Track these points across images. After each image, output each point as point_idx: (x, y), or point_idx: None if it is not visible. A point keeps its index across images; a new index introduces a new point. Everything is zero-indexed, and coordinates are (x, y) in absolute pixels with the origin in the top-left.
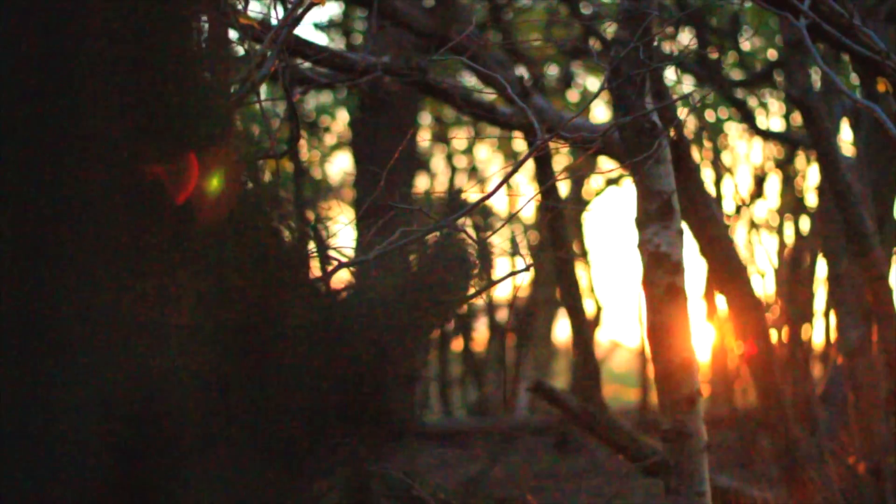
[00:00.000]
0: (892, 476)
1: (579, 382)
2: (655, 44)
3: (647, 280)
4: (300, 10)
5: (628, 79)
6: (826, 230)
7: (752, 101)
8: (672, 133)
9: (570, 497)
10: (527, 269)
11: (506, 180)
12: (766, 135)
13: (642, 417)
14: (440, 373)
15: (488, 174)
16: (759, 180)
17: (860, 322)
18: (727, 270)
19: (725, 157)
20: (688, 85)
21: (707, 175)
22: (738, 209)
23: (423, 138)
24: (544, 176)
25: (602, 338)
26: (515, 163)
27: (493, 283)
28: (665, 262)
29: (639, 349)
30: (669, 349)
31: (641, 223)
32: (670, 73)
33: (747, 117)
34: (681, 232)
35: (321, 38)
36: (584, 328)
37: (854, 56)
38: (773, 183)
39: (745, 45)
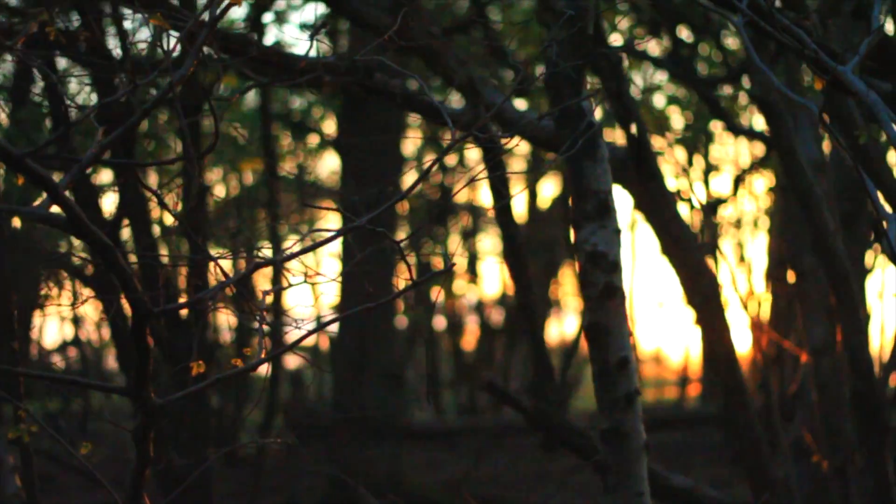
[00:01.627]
0: (856, 474)
1: (534, 381)
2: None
3: (584, 279)
4: (218, 11)
5: (562, 75)
6: (790, 228)
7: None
8: (633, 132)
9: (556, 495)
10: (449, 269)
11: (421, 179)
12: (737, 132)
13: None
14: (430, 372)
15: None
16: (738, 179)
17: (824, 320)
18: (690, 270)
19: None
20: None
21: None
22: (715, 208)
23: (413, 137)
24: (496, 172)
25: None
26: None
27: (416, 283)
28: (602, 261)
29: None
30: (607, 348)
31: (578, 223)
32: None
33: (722, 116)
34: (618, 231)
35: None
36: (537, 327)
37: (791, 51)
38: (755, 182)
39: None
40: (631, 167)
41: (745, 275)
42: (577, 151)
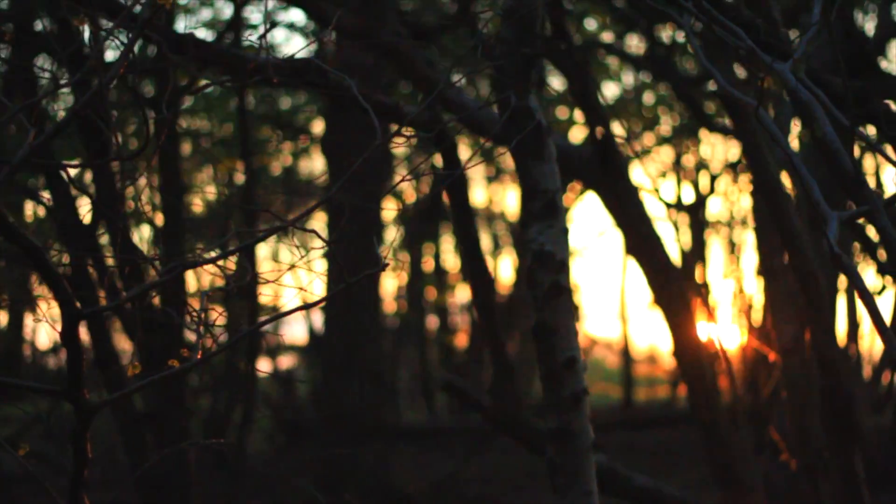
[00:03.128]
0: (826, 473)
1: (493, 380)
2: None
3: (532, 278)
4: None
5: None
6: (760, 228)
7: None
8: (599, 132)
9: (546, 495)
10: (383, 268)
11: (347, 177)
12: (713, 129)
13: (623, 415)
14: (422, 371)
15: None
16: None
17: (793, 319)
18: (656, 268)
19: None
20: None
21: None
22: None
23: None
24: (450, 168)
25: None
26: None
27: (349, 284)
28: (549, 260)
29: (619, 345)
30: (554, 348)
31: (526, 222)
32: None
33: (699, 114)
34: (565, 230)
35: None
36: (495, 325)
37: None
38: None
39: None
40: (597, 166)
41: (735, 273)
42: (525, 150)
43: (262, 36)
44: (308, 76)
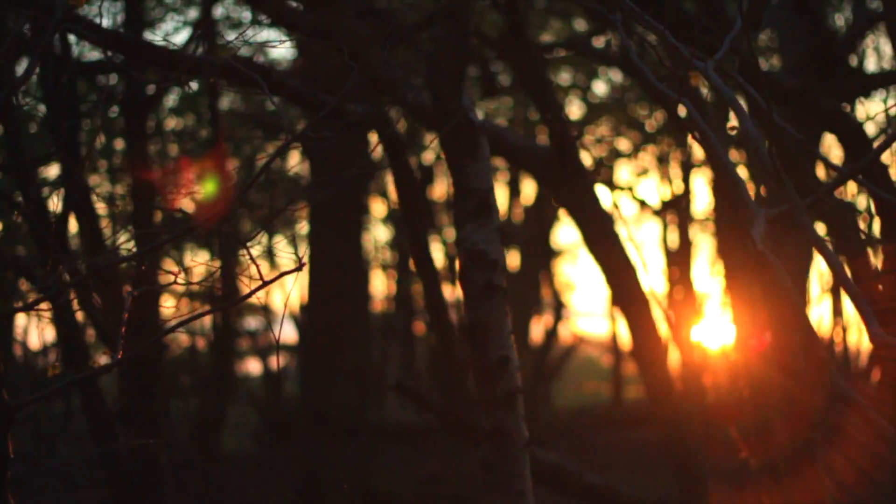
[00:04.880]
0: (788, 472)
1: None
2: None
3: (465, 278)
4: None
5: (442, 71)
6: (719, 225)
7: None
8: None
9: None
10: (299, 268)
11: (258, 176)
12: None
13: (613, 413)
14: (406, 370)
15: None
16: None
17: (755, 317)
18: (614, 266)
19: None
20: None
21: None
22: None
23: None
24: (401, 172)
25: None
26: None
27: (265, 283)
28: (482, 259)
29: (608, 344)
30: (487, 347)
31: (459, 221)
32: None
33: (671, 113)
34: (499, 230)
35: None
36: (445, 324)
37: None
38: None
39: None
40: (554, 165)
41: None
42: (458, 150)
43: (200, 35)
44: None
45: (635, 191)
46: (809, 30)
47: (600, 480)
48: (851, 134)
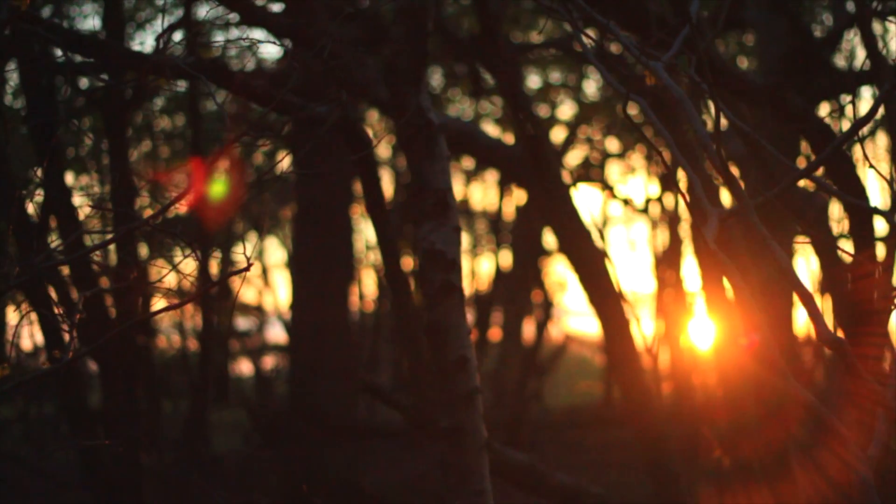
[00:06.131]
0: (762, 470)
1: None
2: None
3: (423, 277)
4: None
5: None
6: (695, 226)
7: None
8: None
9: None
10: (247, 268)
11: (206, 176)
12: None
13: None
14: (398, 370)
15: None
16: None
17: (728, 317)
18: (587, 265)
19: None
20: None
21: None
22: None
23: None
24: (367, 173)
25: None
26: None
27: (213, 283)
28: (440, 259)
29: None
30: (445, 346)
31: (417, 220)
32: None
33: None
34: (457, 229)
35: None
36: (410, 324)
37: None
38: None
39: None
40: (525, 164)
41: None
42: (417, 149)
43: (160, 36)
44: (212, 76)
45: (617, 190)
46: (788, 29)
47: (570, 480)
48: (818, 133)
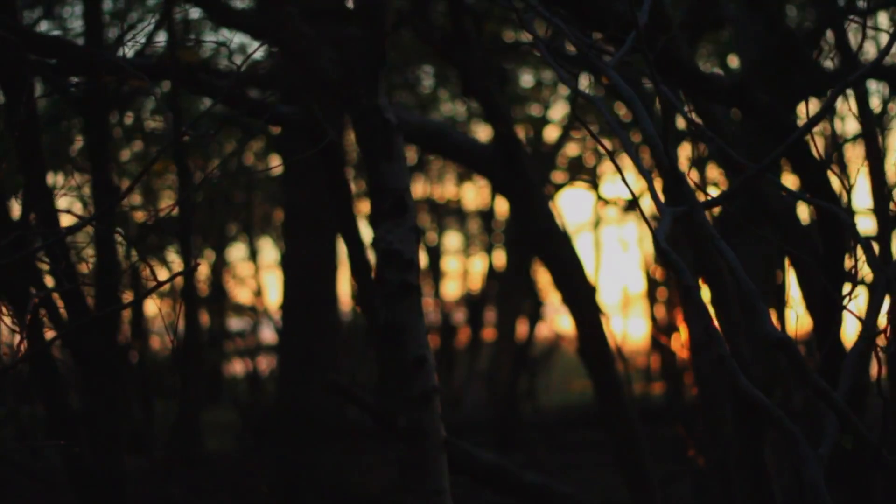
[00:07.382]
0: (738, 470)
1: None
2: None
3: (381, 277)
4: None
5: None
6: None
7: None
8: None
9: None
10: (193, 269)
11: (139, 178)
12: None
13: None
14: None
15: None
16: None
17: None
18: (559, 263)
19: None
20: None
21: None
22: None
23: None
24: (334, 173)
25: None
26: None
27: (159, 284)
28: (397, 259)
29: None
30: (404, 346)
31: (375, 220)
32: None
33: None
34: (414, 229)
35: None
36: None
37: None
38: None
39: None
40: (498, 164)
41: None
42: (374, 149)
43: (121, 36)
44: (176, 76)
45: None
46: (766, 28)
47: (540, 480)
48: (785, 132)
